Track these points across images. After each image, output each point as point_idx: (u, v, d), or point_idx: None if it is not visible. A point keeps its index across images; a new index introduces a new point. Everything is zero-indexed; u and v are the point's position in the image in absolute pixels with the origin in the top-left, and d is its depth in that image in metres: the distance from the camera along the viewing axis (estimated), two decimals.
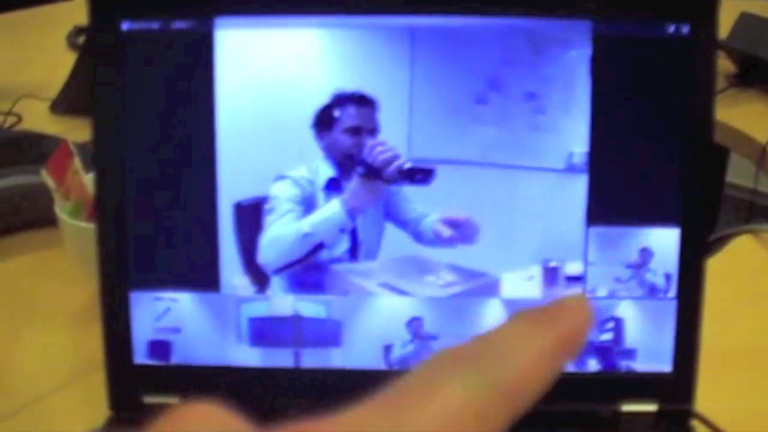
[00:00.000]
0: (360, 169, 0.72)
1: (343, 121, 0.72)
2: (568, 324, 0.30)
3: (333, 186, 0.73)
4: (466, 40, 0.70)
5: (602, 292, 0.72)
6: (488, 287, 0.73)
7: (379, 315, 0.73)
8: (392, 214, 0.73)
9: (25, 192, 1.11)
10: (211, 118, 0.71)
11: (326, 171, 0.73)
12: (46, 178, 0.95)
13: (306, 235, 0.73)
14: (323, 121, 0.71)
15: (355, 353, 0.73)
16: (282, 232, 0.73)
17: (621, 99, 0.71)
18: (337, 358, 0.73)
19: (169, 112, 0.71)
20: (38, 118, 1.44)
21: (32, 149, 1.24)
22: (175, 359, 0.74)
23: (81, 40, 1.77)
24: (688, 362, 0.72)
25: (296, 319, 0.73)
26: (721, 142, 1.47)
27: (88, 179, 0.92)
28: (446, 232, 0.72)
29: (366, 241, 0.73)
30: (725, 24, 1.55)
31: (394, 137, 0.71)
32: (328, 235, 0.73)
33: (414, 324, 0.73)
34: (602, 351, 0.73)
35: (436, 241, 0.73)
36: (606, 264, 0.72)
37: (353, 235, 0.73)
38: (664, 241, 0.71)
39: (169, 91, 0.71)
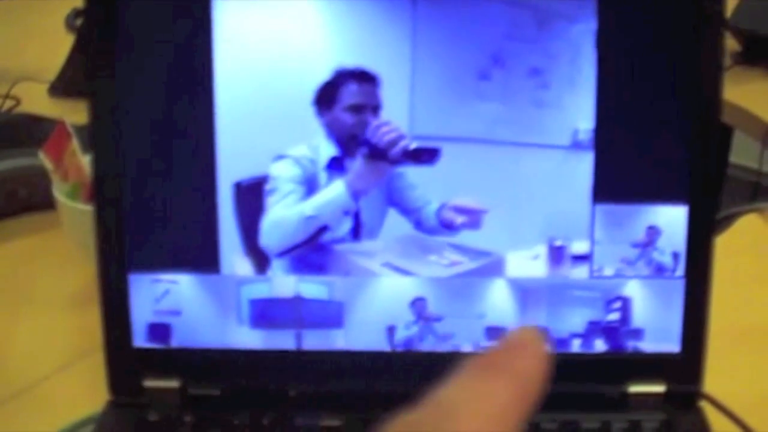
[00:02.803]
0: (364, 150, 0.71)
1: (345, 99, 0.70)
2: (522, 370, 0.28)
3: (335, 165, 0.72)
4: (469, 14, 0.69)
5: (609, 271, 0.71)
6: (493, 266, 0.72)
7: (381, 296, 0.72)
8: (397, 202, 0.72)
9: (24, 175, 1.10)
10: (210, 96, 0.70)
11: (328, 150, 0.71)
12: (44, 159, 0.94)
13: (309, 218, 0.72)
14: (324, 98, 0.70)
15: (358, 335, 0.72)
16: (284, 215, 0.72)
17: (627, 74, 0.69)
18: (339, 340, 0.72)
19: (166, 90, 0.70)
20: (37, 101, 1.43)
21: (31, 132, 1.23)
22: (175, 342, 0.73)
23: (79, 22, 1.76)
24: (696, 342, 0.71)
25: (297, 301, 0.72)
26: (725, 121, 1.46)
27: (87, 161, 0.91)
28: (459, 218, 0.71)
29: (368, 221, 0.72)
30: (729, 2, 1.54)
31: (396, 114, 0.70)
32: (332, 217, 0.72)
33: (418, 304, 0.72)
34: (609, 331, 0.72)
35: (440, 228, 0.71)
36: (612, 243, 0.71)
37: (356, 216, 0.72)
38: (671, 219, 0.70)
39: (166, 68, 0.70)
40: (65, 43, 1.48)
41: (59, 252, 1.00)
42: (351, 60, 0.70)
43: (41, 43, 1.71)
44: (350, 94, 0.70)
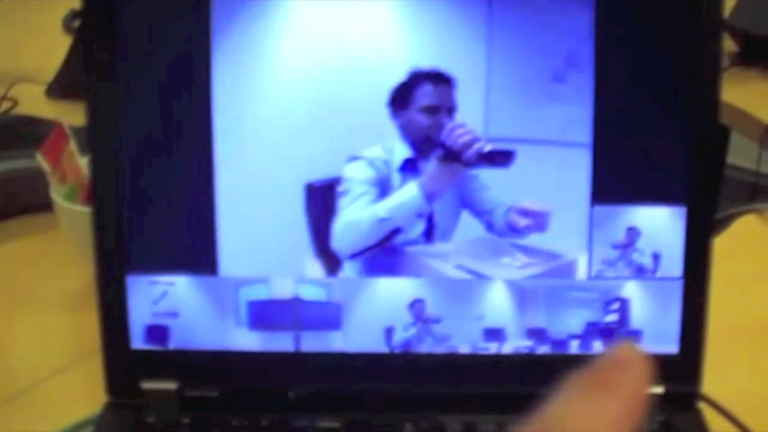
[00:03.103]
0: (438, 152, 0.70)
1: (420, 100, 0.70)
2: (629, 386, 0.29)
3: (409, 167, 0.71)
4: (544, 15, 0.69)
5: (602, 273, 0.71)
6: (565, 268, 0.71)
7: (380, 297, 0.72)
8: (470, 204, 0.72)
9: (22, 177, 1.10)
10: (207, 96, 0.70)
11: (402, 151, 0.71)
12: (42, 161, 0.94)
13: (382, 221, 0.71)
14: (399, 100, 0.70)
15: (356, 336, 0.72)
16: (357, 217, 0.71)
17: (624, 75, 0.69)
18: (337, 342, 0.72)
19: (164, 91, 0.70)
20: (34, 103, 1.43)
21: (28, 133, 1.23)
22: (173, 344, 0.72)
23: (77, 23, 1.75)
24: (695, 343, 0.71)
25: (296, 302, 0.72)
26: (722, 122, 1.45)
27: (84, 162, 0.91)
28: (522, 222, 0.71)
29: (442, 223, 0.72)
30: (727, 3, 1.53)
31: (471, 115, 0.70)
32: (405, 220, 0.71)
33: (416, 306, 0.72)
34: (608, 333, 0.72)
35: (507, 231, 0.71)
36: (594, 244, 0.71)
37: (429, 218, 0.72)
38: (651, 220, 0.70)
39: (164, 69, 0.70)
40: (63, 44, 1.48)
41: (57, 254, 0.99)
42: (426, 61, 0.69)
43: (39, 45, 1.71)
44: (425, 95, 0.70)
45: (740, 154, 1.81)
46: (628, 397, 0.28)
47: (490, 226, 0.72)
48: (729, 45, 1.59)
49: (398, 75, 0.70)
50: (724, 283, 0.73)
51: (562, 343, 0.72)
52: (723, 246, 0.76)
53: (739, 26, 1.56)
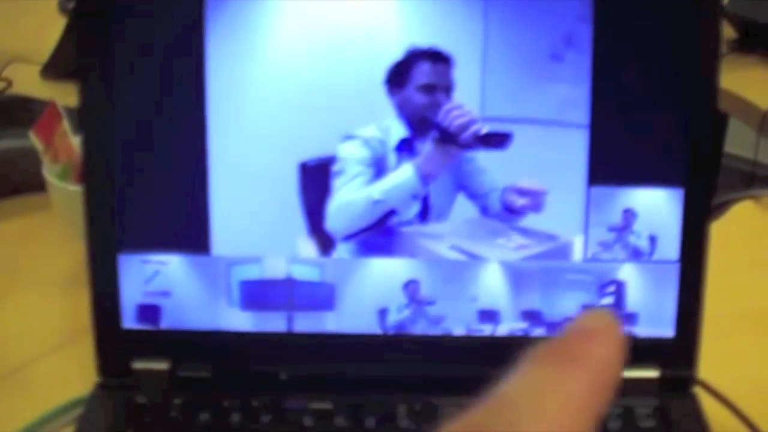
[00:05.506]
0: (435, 134, 0.70)
1: (417, 78, 0.69)
2: (598, 358, 0.24)
3: (405, 147, 0.71)
4: None
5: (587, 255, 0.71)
6: (561, 250, 0.71)
7: (374, 278, 0.71)
8: (466, 186, 0.71)
9: (15, 156, 1.09)
10: (201, 75, 0.69)
11: (398, 130, 0.71)
12: (34, 140, 0.93)
13: (377, 202, 0.71)
14: (396, 78, 0.69)
15: (349, 317, 0.72)
16: (351, 199, 0.71)
17: (623, 62, 0.69)
18: (330, 322, 0.72)
19: (157, 70, 0.69)
20: (29, 83, 1.42)
21: (22, 113, 1.22)
22: (165, 323, 0.72)
23: (72, 4, 1.75)
24: (691, 327, 0.71)
25: (289, 283, 0.71)
26: (720, 108, 1.45)
27: (77, 141, 0.90)
28: (519, 201, 0.70)
29: (437, 205, 0.71)
30: None
31: (468, 94, 0.69)
32: (400, 201, 0.71)
33: (411, 287, 0.71)
34: None
35: (504, 213, 0.71)
36: (591, 226, 0.70)
37: (424, 199, 0.71)
38: (647, 202, 0.70)
39: (158, 49, 0.69)
40: (58, 24, 1.47)
41: (50, 233, 0.99)
42: (424, 39, 0.69)
43: (34, 25, 1.70)
44: (423, 73, 0.69)
45: (737, 142, 1.81)
46: (596, 370, 0.24)
47: (485, 210, 0.71)
48: (728, 32, 1.58)
49: (395, 53, 0.69)
50: (721, 269, 0.73)
51: (556, 326, 0.71)
52: (720, 232, 0.76)
53: (738, 13, 1.56)
